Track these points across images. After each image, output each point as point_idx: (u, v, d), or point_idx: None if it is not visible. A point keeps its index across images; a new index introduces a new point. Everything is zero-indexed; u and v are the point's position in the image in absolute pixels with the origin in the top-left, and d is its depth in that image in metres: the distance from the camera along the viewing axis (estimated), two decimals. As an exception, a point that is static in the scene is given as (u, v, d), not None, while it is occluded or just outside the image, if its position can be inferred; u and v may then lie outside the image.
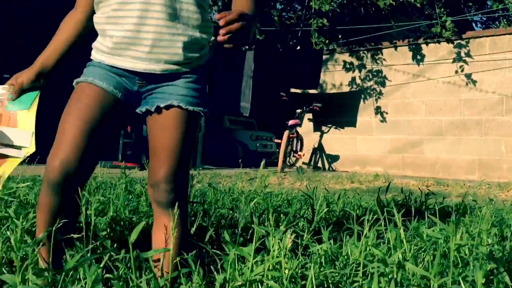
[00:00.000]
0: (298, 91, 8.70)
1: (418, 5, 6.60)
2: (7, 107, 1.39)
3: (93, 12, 1.35)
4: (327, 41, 7.21)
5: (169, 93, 1.28)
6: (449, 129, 7.26)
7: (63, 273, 1.08)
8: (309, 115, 8.59)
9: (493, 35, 6.90)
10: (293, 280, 1.22)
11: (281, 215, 2.29)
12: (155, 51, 1.25)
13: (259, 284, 1.16)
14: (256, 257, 1.20)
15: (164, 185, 1.25)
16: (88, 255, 1.17)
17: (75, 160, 1.20)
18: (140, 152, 6.67)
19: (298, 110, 7.79)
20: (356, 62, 8.27)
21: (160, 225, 1.27)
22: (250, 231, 1.90)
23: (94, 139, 1.24)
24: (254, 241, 1.19)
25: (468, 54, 7.12)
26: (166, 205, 1.25)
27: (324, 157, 8.65)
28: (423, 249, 1.54)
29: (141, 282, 1.11)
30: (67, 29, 1.39)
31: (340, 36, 7.68)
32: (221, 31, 1.07)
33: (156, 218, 1.29)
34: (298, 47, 8.41)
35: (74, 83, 1.32)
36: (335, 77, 8.53)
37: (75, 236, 1.22)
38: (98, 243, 1.47)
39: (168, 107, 1.28)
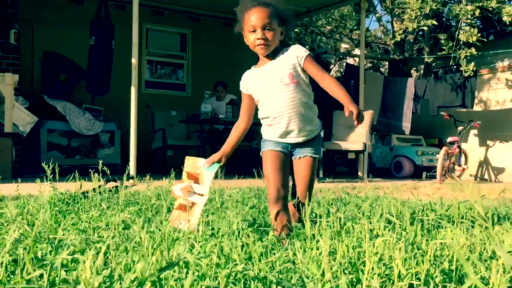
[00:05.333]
0: (463, 110, 9.49)
1: None
2: (206, 169, 2.37)
3: (252, 119, 2.43)
4: (475, 68, 8.11)
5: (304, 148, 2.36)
6: None
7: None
8: (475, 131, 9.33)
9: None
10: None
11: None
12: (297, 135, 2.32)
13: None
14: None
15: (301, 197, 2.31)
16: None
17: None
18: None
19: (460, 128, 8.65)
20: (518, 80, 8.77)
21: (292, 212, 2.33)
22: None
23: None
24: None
25: None
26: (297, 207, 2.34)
27: (490, 169, 9.26)
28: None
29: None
30: (237, 134, 2.41)
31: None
32: (356, 123, 2.07)
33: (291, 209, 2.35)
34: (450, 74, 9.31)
35: (261, 152, 2.39)
36: (498, 94, 9.11)
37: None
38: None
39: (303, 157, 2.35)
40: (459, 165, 8.63)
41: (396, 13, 10.68)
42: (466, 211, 2.95)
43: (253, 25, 2.24)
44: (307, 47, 12.90)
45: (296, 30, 14.14)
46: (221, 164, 2.40)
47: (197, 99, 9.74)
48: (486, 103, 9.33)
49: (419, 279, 1.44)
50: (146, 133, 8.56)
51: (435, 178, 8.34)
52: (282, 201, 2.24)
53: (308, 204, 2.25)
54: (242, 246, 1.89)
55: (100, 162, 3.58)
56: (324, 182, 6.79)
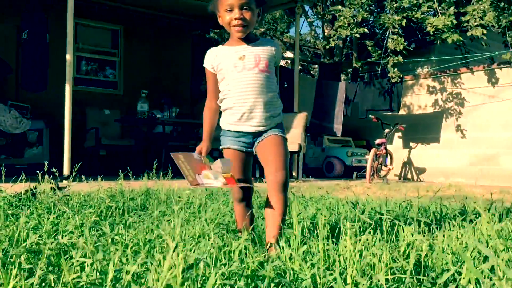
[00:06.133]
0: (389, 113, 10.05)
1: (485, 37, 7.71)
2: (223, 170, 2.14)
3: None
4: (401, 75, 8.67)
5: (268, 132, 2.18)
6: (522, 144, 8.17)
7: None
8: (399, 134, 9.92)
9: (559, 59, 7.74)
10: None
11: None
12: (261, 121, 2.15)
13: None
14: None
15: (277, 174, 2.09)
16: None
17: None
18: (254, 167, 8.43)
19: (386, 130, 9.16)
20: (438, 86, 9.44)
21: (272, 201, 2.09)
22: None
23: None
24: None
25: (537, 77, 8.00)
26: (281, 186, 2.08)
27: (412, 169, 9.88)
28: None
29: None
30: (212, 117, 2.24)
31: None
32: None
33: (271, 196, 2.10)
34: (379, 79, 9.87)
35: (221, 147, 2.24)
36: (420, 100, 9.76)
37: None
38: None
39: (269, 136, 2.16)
40: (385, 166, 9.13)
41: (327, 18, 11.09)
42: (407, 210, 3.18)
43: (230, 4, 2.08)
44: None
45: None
46: (205, 152, 2.22)
47: (130, 98, 9.53)
48: (410, 107, 9.95)
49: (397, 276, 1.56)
50: (75, 132, 8.25)
51: (365, 177, 8.77)
52: (246, 200, 2.27)
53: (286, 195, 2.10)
54: (220, 248, 1.94)
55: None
56: (262, 182, 6.92)
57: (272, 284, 1.41)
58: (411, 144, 9.87)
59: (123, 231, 2.12)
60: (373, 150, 8.64)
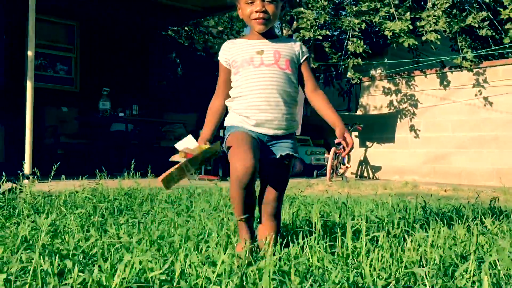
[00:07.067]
0: (346, 113, 10.36)
1: (438, 42, 8.11)
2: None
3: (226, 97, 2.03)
4: (360, 76, 9.01)
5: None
6: (471, 143, 8.65)
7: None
8: (356, 133, 10.23)
9: (505, 64, 8.27)
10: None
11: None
12: (280, 123, 1.98)
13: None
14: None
15: (274, 204, 1.99)
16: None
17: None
18: (217, 167, 8.46)
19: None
20: (393, 88, 9.82)
21: (266, 226, 2.02)
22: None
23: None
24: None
25: (485, 81, 8.50)
26: (273, 215, 2.01)
27: (368, 168, 10.23)
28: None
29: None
30: (215, 112, 2.05)
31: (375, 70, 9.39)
32: (346, 151, 2.01)
33: (264, 221, 2.03)
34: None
35: (227, 136, 1.96)
36: (376, 101, 10.12)
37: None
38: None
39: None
40: (343, 164, 9.41)
41: (285, 19, 11.25)
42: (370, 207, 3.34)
43: None
44: (200, 47, 13.00)
45: (186, 28, 14.15)
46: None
47: (88, 95, 9.32)
48: (366, 108, 10.29)
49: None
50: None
51: (325, 176, 9.00)
52: (251, 182, 1.82)
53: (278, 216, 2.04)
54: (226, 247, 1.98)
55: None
56: (227, 181, 6.99)
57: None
58: (367, 143, 10.21)
59: (136, 230, 2.13)
60: (333, 149, 8.88)
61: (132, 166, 4.83)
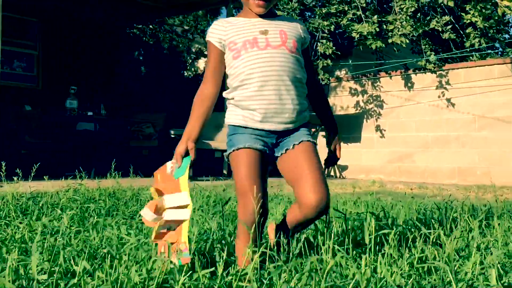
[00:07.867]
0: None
1: (404, 45, 8.36)
2: (175, 175, 1.69)
3: (220, 85, 1.75)
4: (329, 77, 9.20)
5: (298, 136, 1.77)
6: (434, 143, 8.96)
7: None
8: (323, 133, 10.40)
9: (467, 67, 8.62)
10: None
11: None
12: (292, 116, 1.72)
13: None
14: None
15: (324, 192, 1.73)
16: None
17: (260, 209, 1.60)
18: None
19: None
20: (359, 89, 10.04)
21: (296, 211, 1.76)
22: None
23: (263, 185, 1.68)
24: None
25: (447, 82, 8.83)
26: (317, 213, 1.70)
27: (335, 167, 10.41)
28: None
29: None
30: (205, 101, 1.74)
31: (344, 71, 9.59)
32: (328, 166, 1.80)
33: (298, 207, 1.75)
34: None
35: (230, 151, 1.72)
36: (343, 101, 10.31)
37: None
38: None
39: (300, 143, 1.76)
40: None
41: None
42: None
43: None
44: (166, 46, 12.86)
45: (151, 26, 13.96)
46: (192, 158, 1.73)
47: (51, 93, 9.08)
48: (333, 108, 10.47)
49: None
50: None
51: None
52: (260, 224, 1.63)
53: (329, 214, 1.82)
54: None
55: None
56: (202, 180, 6.98)
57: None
58: (334, 143, 10.39)
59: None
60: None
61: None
